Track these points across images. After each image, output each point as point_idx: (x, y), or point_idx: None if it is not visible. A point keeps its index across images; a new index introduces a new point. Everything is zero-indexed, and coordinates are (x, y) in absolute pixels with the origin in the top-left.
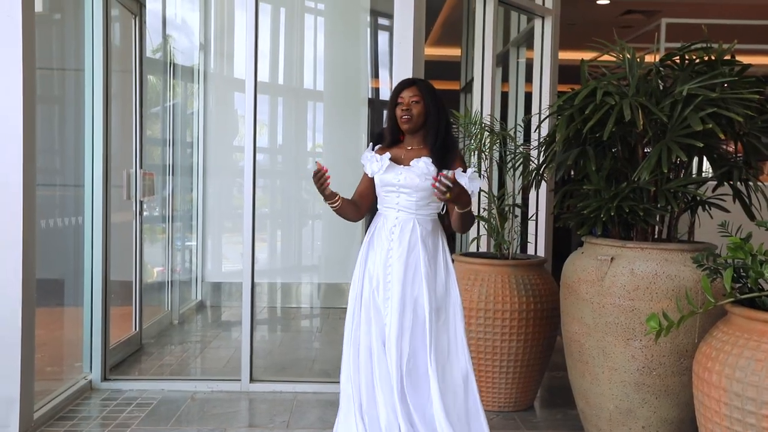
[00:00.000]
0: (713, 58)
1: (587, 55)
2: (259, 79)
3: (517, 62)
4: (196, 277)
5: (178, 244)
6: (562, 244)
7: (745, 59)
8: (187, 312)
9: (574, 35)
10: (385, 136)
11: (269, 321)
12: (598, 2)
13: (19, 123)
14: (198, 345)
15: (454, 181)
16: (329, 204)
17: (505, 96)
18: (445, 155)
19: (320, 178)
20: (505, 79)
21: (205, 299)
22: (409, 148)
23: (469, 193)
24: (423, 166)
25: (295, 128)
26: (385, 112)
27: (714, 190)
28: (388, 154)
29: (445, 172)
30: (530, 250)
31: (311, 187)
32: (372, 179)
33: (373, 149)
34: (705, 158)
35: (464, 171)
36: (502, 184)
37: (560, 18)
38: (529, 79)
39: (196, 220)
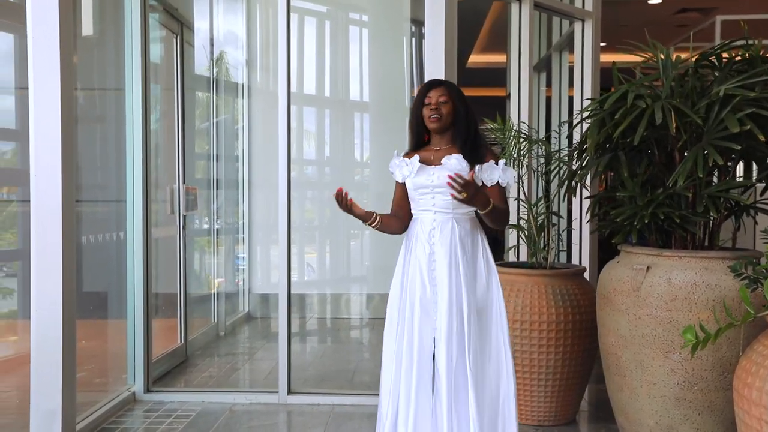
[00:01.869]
0: (752, 55)
1: (639, 58)
2: (305, 92)
3: (560, 67)
4: (243, 289)
5: (226, 256)
6: (613, 252)
7: None
8: (234, 324)
9: (626, 36)
10: (410, 138)
11: (319, 332)
12: (649, 2)
13: (57, 143)
14: (242, 357)
15: (470, 181)
16: (369, 224)
17: (549, 101)
18: (476, 151)
19: (343, 201)
20: (549, 84)
21: (252, 311)
22: (437, 148)
23: (504, 184)
24: (455, 162)
25: (343, 140)
26: None
27: (762, 194)
28: (417, 156)
29: (476, 169)
30: (575, 259)
31: (359, 197)
32: (404, 185)
33: (398, 155)
34: (753, 160)
35: (496, 163)
36: (546, 192)
37: (612, 19)
38: (573, 83)
39: (243, 232)
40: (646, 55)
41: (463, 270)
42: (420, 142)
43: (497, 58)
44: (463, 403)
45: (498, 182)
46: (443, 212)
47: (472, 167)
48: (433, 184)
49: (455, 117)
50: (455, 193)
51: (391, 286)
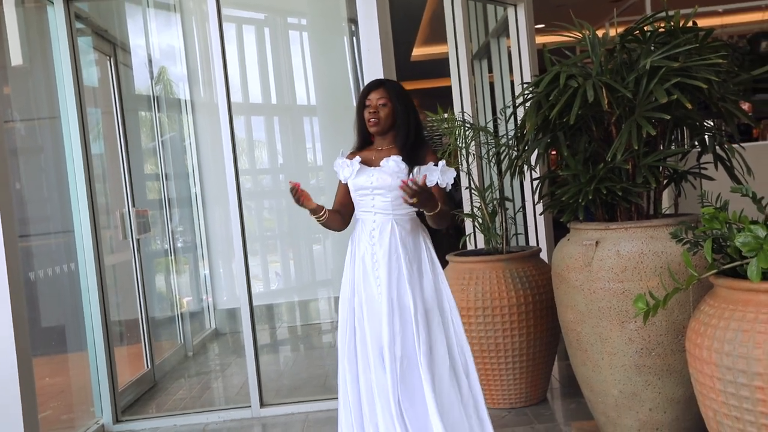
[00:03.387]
0: (672, 27)
1: (576, 37)
2: (251, 101)
3: (499, 52)
4: (208, 306)
5: (187, 275)
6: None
7: (732, 20)
8: (201, 342)
9: (563, 17)
10: (355, 139)
11: (289, 341)
12: None
13: None
14: (213, 375)
15: (422, 186)
16: (316, 218)
17: (493, 87)
18: (416, 152)
19: (297, 195)
20: (491, 70)
21: (220, 327)
22: (380, 149)
23: (443, 185)
24: (393, 165)
25: (294, 145)
26: None
27: (698, 159)
28: (358, 158)
29: (414, 177)
30: (532, 241)
31: (317, 200)
32: (347, 185)
33: (343, 155)
34: (686, 128)
35: (435, 165)
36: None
37: (548, 1)
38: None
39: (201, 249)
40: (572, 34)
41: (407, 270)
42: (365, 142)
43: (440, 49)
44: (420, 404)
45: (437, 183)
46: (383, 213)
47: (410, 169)
48: (372, 185)
49: (395, 118)
50: (407, 197)
51: (341, 288)
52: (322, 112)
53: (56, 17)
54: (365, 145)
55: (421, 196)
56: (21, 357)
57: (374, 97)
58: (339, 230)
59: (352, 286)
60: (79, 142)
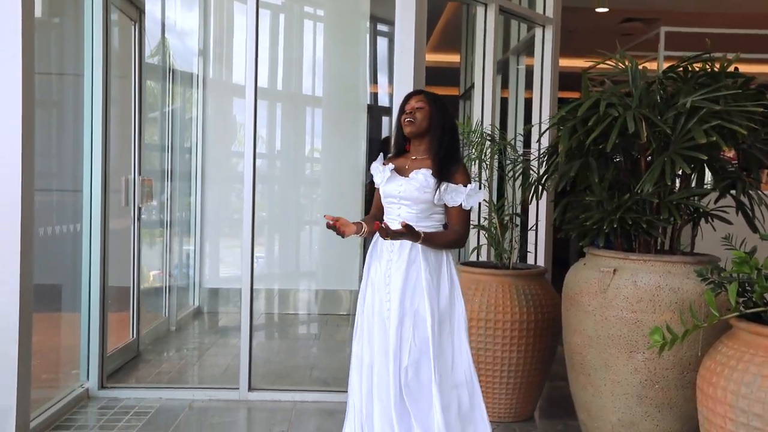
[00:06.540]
0: (716, 69)
1: (586, 63)
2: (258, 85)
3: (517, 69)
4: (193, 283)
5: (175, 249)
6: (561, 252)
7: (743, 68)
8: (184, 318)
9: (573, 42)
10: (392, 146)
11: (266, 327)
12: (597, 10)
13: (17, 129)
14: (196, 352)
15: (395, 231)
16: (359, 236)
17: (504, 102)
18: (448, 167)
19: (337, 229)
20: (504, 85)
21: (202, 305)
22: (414, 157)
23: (467, 207)
24: (422, 178)
25: (294, 134)
26: (384, 118)
27: (716, 201)
28: (391, 165)
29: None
30: (530, 260)
31: (309, 192)
32: None
33: (383, 159)
34: (707, 169)
35: (465, 185)
36: (502, 193)
37: (561, 25)
38: (529, 86)
39: (194, 225)
40: (614, 63)
41: (426, 283)
42: (401, 150)
43: (449, 58)
44: (426, 408)
45: (461, 205)
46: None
47: (438, 184)
48: (399, 195)
49: (430, 121)
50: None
51: (359, 288)
52: (326, 105)
53: None
54: (401, 153)
55: (393, 238)
56: (23, 315)
57: (413, 102)
58: None
59: (365, 288)
60: (100, 103)
